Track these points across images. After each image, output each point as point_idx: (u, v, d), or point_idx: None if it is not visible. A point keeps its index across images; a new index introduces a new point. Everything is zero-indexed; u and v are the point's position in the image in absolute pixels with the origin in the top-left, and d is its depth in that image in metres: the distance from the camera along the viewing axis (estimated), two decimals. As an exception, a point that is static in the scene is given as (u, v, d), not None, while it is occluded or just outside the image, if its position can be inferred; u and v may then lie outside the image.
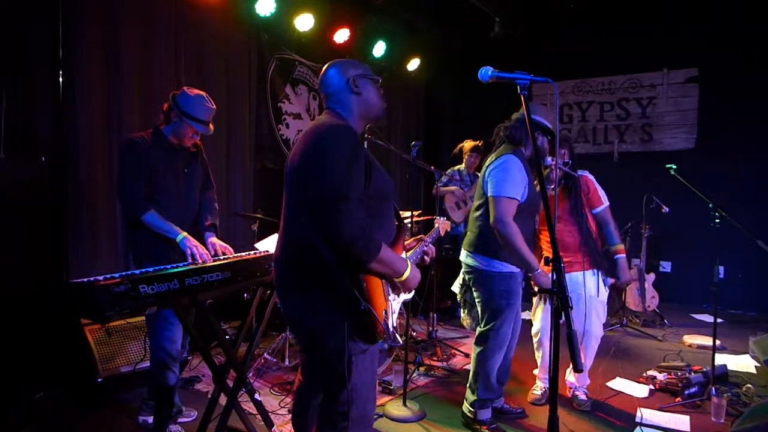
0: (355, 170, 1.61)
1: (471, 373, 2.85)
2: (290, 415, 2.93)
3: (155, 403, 2.65)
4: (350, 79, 1.80)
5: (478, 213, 2.78)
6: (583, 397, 3.20)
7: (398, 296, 1.87)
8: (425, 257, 2.13)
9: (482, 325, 2.79)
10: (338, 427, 1.72)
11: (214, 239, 2.66)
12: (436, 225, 2.69)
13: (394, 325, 1.80)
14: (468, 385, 2.88)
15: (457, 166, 5.35)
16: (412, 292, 1.99)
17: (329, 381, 1.74)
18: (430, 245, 2.18)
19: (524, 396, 3.35)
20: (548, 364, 3.14)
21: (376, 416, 2.97)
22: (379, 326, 1.65)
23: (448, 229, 2.77)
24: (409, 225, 3.70)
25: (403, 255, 1.94)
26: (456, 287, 3.00)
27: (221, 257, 2.51)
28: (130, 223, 2.59)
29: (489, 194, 2.64)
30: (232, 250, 2.61)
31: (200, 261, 2.37)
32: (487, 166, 2.74)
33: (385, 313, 1.71)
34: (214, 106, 2.67)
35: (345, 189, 1.56)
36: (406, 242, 2.11)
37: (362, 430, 1.76)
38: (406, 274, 1.74)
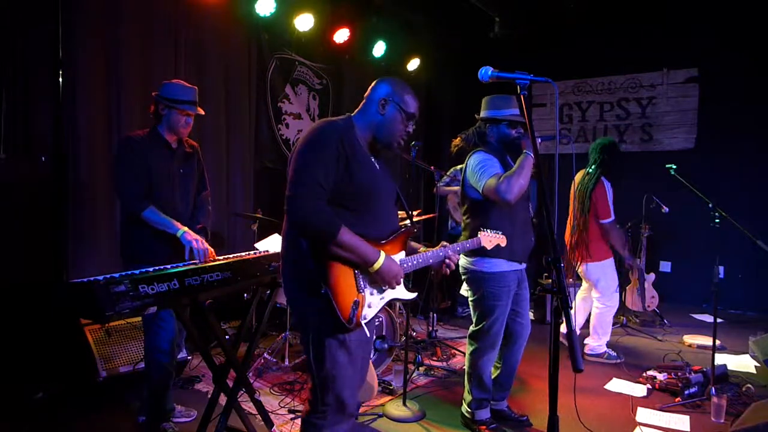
0: (325, 161, 1.71)
1: (465, 373, 2.87)
2: (290, 415, 2.95)
3: (149, 403, 2.66)
4: (380, 100, 1.90)
5: (465, 215, 2.84)
6: (612, 353, 4.01)
7: (379, 292, 1.85)
8: (446, 263, 2.08)
9: (474, 325, 2.83)
10: (317, 410, 1.80)
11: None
12: (479, 236, 2.41)
13: (379, 319, 1.80)
14: (465, 385, 2.90)
15: (459, 166, 5.33)
16: (409, 295, 1.99)
17: (308, 364, 1.82)
18: (453, 254, 2.10)
19: (525, 396, 3.35)
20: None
21: (375, 416, 2.98)
22: (343, 313, 1.68)
23: (500, 243, 2.46)
24: (409, 224, 3.69)
25: (401, 255, 1.95)
26: (464, 290, 2.99)
27: (220, 258, 2.51)
28: (126, 220, 2.60)
29: (480, 190, 2.62)
30: (214, 253, 2.56)
31: (201, 256, 2.41)
32: (464, 173, 2.79)
33: (357, 303, 1.73)
34: (195, 87, 2.72)
35: (303, 176, 1.68)
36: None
37: (340, 415, 1.81)
38: (377, 264, 1.75)
